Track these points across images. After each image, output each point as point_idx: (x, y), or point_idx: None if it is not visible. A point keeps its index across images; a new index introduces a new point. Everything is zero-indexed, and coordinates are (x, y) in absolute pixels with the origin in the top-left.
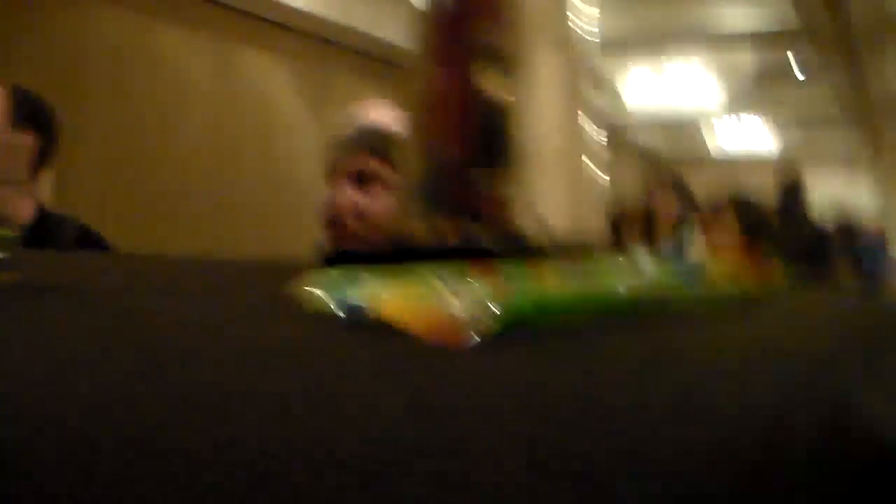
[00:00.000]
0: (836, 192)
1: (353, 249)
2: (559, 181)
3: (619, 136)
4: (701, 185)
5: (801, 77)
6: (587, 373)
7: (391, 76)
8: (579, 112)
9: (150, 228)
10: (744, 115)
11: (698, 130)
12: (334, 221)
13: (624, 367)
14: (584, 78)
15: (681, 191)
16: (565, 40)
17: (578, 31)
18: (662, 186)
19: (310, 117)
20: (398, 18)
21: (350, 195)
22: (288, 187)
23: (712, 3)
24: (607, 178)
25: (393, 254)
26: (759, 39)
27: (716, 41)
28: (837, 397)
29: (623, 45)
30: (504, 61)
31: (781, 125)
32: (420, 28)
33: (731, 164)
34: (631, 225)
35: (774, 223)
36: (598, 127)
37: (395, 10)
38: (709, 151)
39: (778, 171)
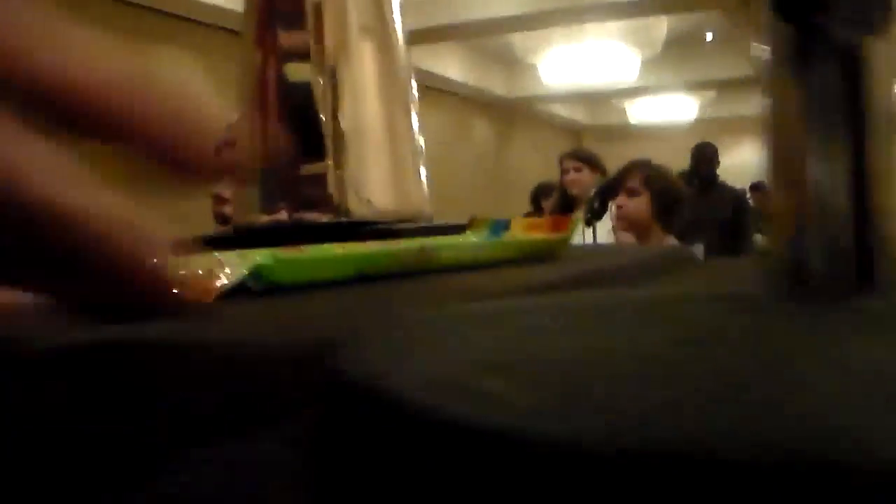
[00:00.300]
0: (756, 157)
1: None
2: (385, 165)
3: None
4: (621, 157)
5: (709, 37)
6: None
7: None
8: (401, 97)
9: None
10: (660, 84)
11: (617, 102)
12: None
13: None
14: (403, 65)
15: (592, 163)
16: (382, 29)
17: (394, 20)
18: (575, 160)
19: (228, 113)
20: None
21: None
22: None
23: None
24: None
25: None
26: (671, 3)
27: (629, 9)
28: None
29: (540, 20)
30: (321, 52)
31: (697, 92)
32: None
33: (650, 134)
34: (548, 199)
35: (682, 188)
36: (416, 116)
37: None
38: (628, 122)
39: (691, 137)
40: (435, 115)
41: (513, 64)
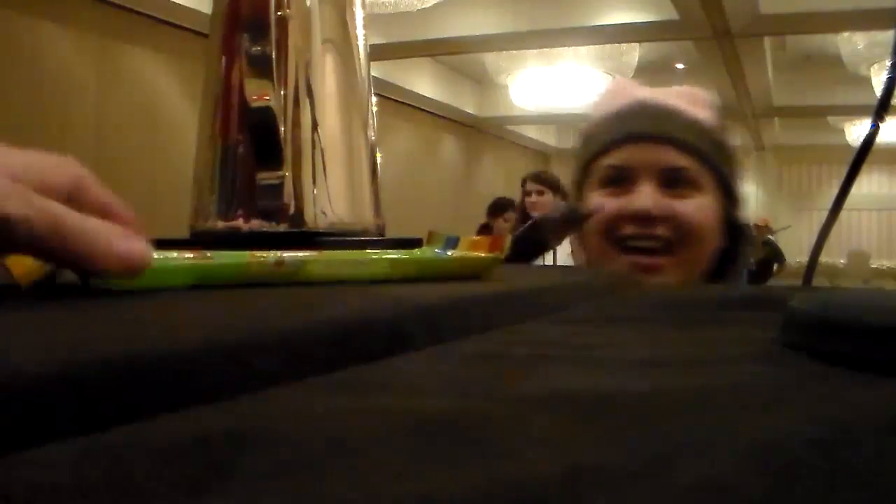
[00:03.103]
0: None
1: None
2: (340, 177)
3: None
4: None
5: (680, 67)
6: None
7: None
8: (360, 111)
9: None
10: None
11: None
12: (611, 232)
13: None
14: (364, 80)
15: (556, 188)
16: (344, 43)
17: (357, 35)
18: (538, 183)
19: (197, 115)
20: None
21: (654, 199)
22: (175, 187)
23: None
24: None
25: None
26: (642, 31)
27: (602, 34)
28: None
29: (514, 41)
30: (283, 63)
31: None
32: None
33: None
34: (502, 214)
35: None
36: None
37: None
38: None
39: None
40: (405, 131)
41: (484, 83)
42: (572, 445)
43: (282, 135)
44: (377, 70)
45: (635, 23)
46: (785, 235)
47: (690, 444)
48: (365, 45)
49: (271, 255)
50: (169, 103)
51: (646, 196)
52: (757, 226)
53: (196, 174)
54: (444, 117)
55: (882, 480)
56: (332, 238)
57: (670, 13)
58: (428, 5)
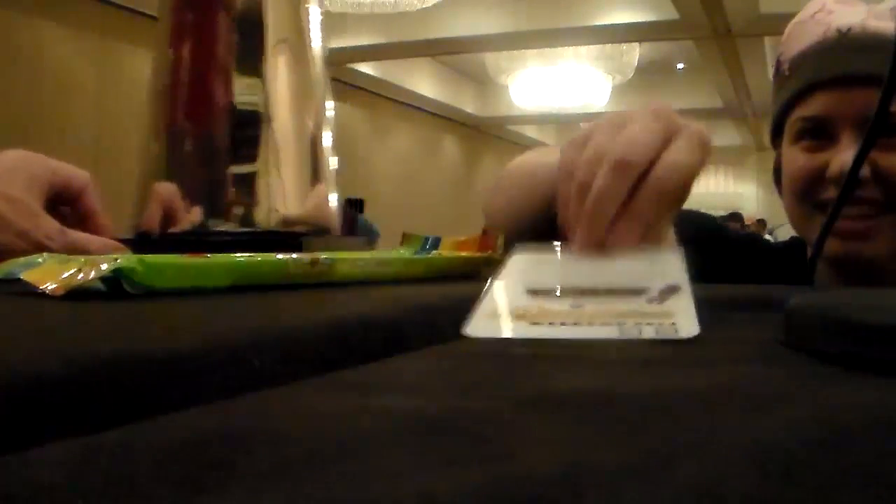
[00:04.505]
0: (725, 187)
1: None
2: (294, 178)
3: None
4: None
5: (680, 66)
6: None
7: None
8: (315, 112)
9: None
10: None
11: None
12: (809, 195)
13: None
14: (319, 81)
15: None
16: (301, 43)
17: (312, 36)
18: None
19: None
20: None
21: (848, 156)
22: None
23: None
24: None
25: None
26: (642, 31)
27: (602, 34)
28: None
29: (514, 41)
30: (234, 63)
31: None
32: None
33: None
34: None
35: None
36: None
37: None
38: None
39: None
40: (405, 131)
41: (484, 84)
42: (572, 445)
43: (235, 136)
44: (377, 70)
45: (635, 23)
46: (783, 233)
47: (690, 444)
48: (322, 45)
49: (307, 255)
50: None
51: (847, 155)
52: (750, 224)
53: (142, 171)
54: (444, 117)
55: (882, 480)
56: (289, 240)
57: (670, 13)
58: (428, 5)
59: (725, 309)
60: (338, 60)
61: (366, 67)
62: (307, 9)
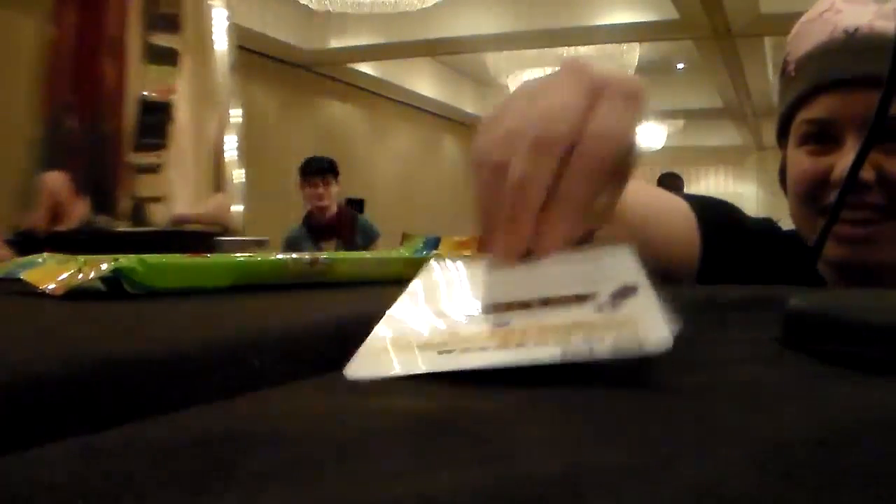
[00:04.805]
0: (725, 187)
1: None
2: (191, 179)
3: None
4: None
5: (680, 66)
6: None
7: (280, 74)
8: (216, 114)
9: None
10: None
11: None
12: (813, 200)
13: None
14: (222, 85)
15: None
16: (202, 48)
17: (214, 41)
18: None
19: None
20: (287, 16)
21: (866, 161)
22: None
23: None
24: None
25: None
26: (642, 31)
27: (602, 34)
28: None
29: (514, 41)
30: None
31: (666, 120)
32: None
33: None
34: None
35: None
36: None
37: (283, 7)
38: None
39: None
40: (405, 131)
41: (484, 83)
42: (572, 445)
43: (132, 136)
44: (377, 70)
45: (635, 23)
46: None
47: (690, 444)
48: (229, 48)
49: (306, 255)
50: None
51: (852, 159)
52: None
53: (25, 166)
54: (444, 117)
55: (882, 480)
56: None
57: (670, 13)
58: (428, 5)
59: (725, 309)
60: (338, 60)
61: (366, 67)
62: (210, 13)
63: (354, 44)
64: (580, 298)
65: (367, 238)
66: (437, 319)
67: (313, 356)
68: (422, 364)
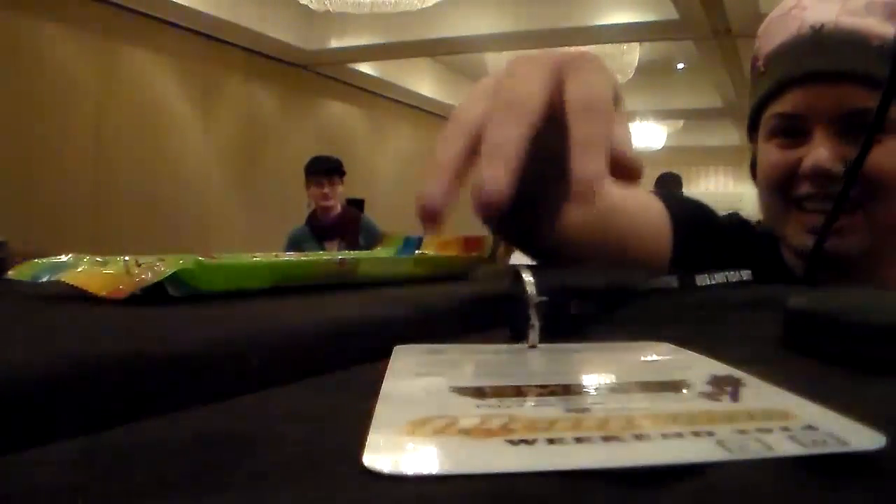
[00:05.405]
0: (725, 187)
1: None
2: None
3: None
4: None
5: (680, 66)
6: None
7: (280, 74)
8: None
9: (32, 227)
10: (629, 110)
11: None
12: (785, 191)
13: None
14: None
15: None
16: None
17: None
18: None
19: (197, 116)
20: (287, 16)
21: (834, 153)
22: (174, 186)
23: None
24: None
25: None
26: (642, 31)
27: (602, 34)
28: None
29: (514, 40)
30: None
31: (666, 120)
32: None
33: None
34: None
35: None
36: None
37: (283, 7)
38: None
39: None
40: (405, 131)
41: None
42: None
43: None
44: (377, 70)
45: (635, 23)
46: None
47: None
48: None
49: (335, 256)
50: (169, 103)
51: (820, 151)
52: None
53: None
54: (444, 117)
55: (882, 480)
56: None
57: (670, 13)
58: (428, 5)
59: (725, 309)
60: (338, 60)
61: (366, 67)
62: None
63: (354, 44)
64: (663, 386)
65: (371, 238)
66: (461, 398)
67: (313, 356)
68: (492, 460)
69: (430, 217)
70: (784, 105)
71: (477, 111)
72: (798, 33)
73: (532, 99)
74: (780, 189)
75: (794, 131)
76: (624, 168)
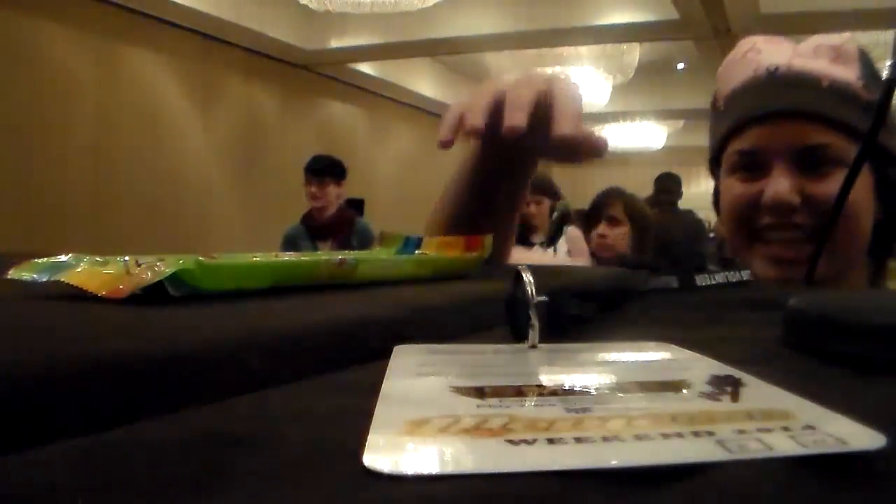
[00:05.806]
0: None
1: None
2: None
3: None
4: (589, 182)
5: (680, 67)
6: None
7: (280, 74)
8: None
9: (32, 228)
10: (629, 110)
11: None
12: (747, 223)
13: None
14: None
15: (551, 192)
16: None
17: None
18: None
19: (197, 116)
20: (287, 16)
21: (792, 186)
22: (174, 185)
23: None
24: None
25: None
26: (642, 31)
27: (602, 34)
28: None
29: (514, 41)
30: None
31: (666, 120)
32: None
33: (618, 160)
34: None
35: (652, 216)
36: None
37: (283, 7)
38: None
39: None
40: (405, 131)
41: (484, 83)
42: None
43: None
44: (377, 70)
45: (635, 23)
46: None
47: None
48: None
49: (335, 256)
50: (169, 103)
51: (779, 184)
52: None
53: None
54: None
55: (882, 480)
56: None
57: (670, 13)
58: (428, 5)
59: (725, 309)
60: (338, 60)
61: (366, 67)
62: None
63: (354, 44)
64: (663, 386)
65: (364, 242)
66: (461, 398)
67: (313, 356)
68: (498, 459)
69: (445, 146)
70: (745, 142)
71: (485, 97)
72: (755, 75)
73: (531, 87)
74: (744, 220)
75: (754, 166)
76: (591, 145)
